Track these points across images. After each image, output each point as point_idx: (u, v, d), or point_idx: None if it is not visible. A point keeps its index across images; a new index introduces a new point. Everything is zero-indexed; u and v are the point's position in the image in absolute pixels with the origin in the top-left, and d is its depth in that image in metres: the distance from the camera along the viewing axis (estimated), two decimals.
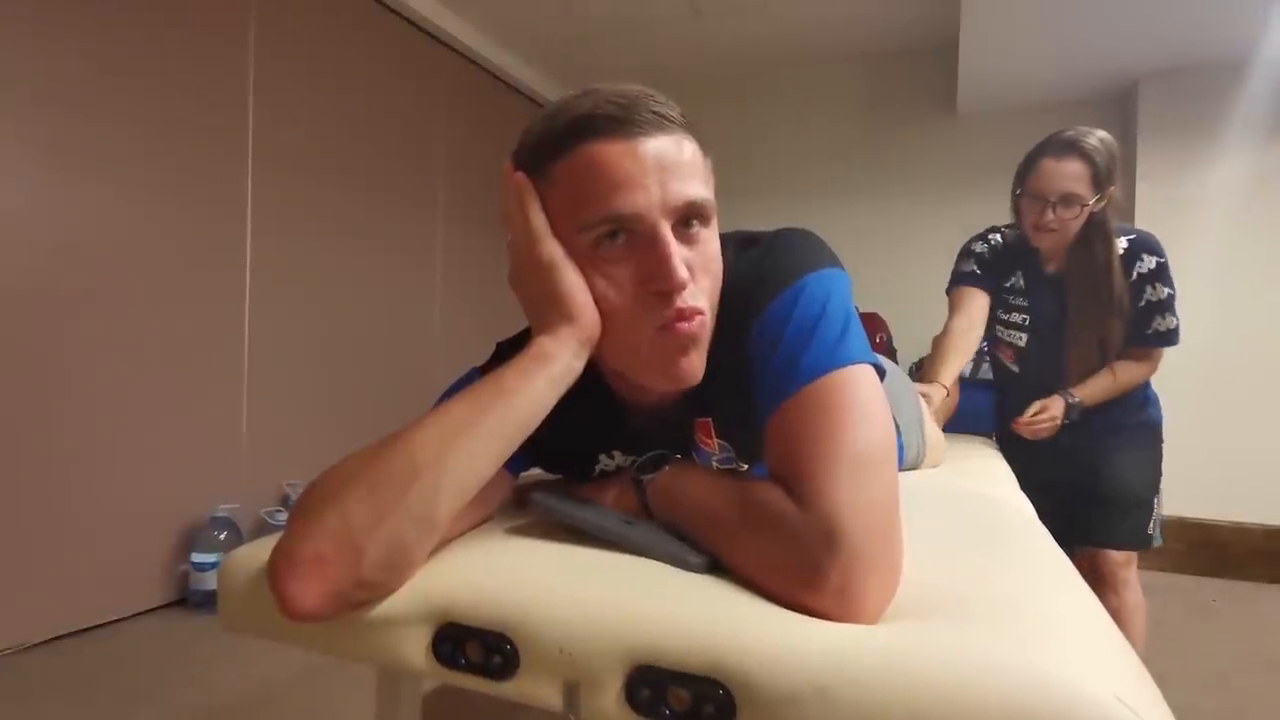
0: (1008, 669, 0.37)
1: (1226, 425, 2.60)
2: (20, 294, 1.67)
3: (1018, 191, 1.40)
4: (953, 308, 1.54)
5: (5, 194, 1.65)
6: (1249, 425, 2.58)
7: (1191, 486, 2.59)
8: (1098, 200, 1.32)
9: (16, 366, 1.66)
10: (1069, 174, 1.30)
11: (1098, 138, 1.32)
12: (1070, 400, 1.41)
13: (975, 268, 1.52)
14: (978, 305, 1.51)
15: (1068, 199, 1.31)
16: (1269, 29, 2.34)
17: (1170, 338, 1.42)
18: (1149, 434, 1.51)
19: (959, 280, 1.54)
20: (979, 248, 1.53)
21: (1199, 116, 2.65)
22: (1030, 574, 0.55)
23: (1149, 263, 1.37)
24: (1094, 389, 1.42)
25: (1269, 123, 2.57)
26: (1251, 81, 2.58)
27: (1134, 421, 1.50)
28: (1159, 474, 1.51)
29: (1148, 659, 0.46)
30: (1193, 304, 2.61)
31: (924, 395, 1.41)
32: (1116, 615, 1.42)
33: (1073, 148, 1.31)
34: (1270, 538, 2.53)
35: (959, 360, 1.47)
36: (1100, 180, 1.31)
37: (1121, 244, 1.37)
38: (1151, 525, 1.47)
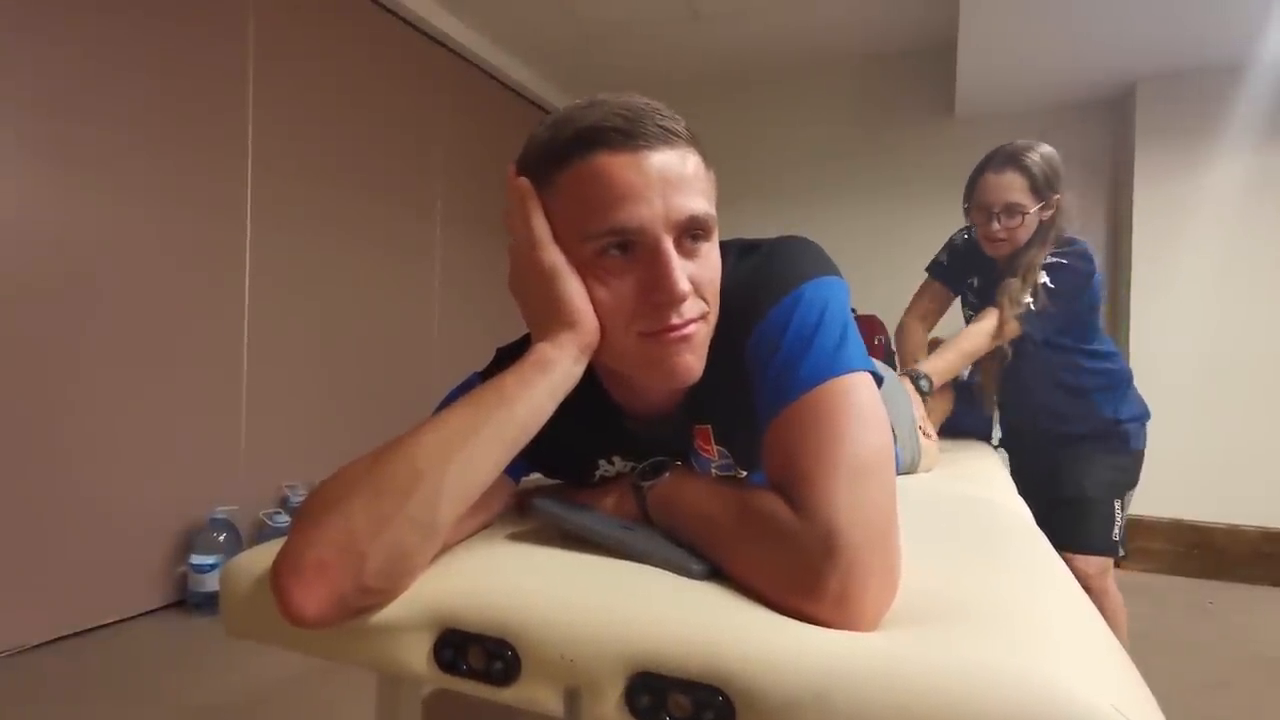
0: (1005, 676, 0.37)
1: (1223, 427, 2.61)
2: (20, 297, 1.67)
3: (966, 206, 1.48)
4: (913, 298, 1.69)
5: (5, 198, 1.65)
6: (1246, 427, 2.59)
7: (1188, 489, 2.60)
8: (1043, 208, 1.38)
9: (16, 369, 1.66)
10: (1008, 185, 1.38)
11: (1037, 151, 1.39)
12: (914, 373, 1.37)
13: (946, 257, 1.64)
14: (930, 298, 1.67)
15: (1010, 209, 1.38)
16: (1266, 32, 2.34)
17: (993, 298, 1.41)
18: (1118, 440, 1.50)
19: (929, 269, 1.68)
20: (958, 239, 1.63)
21: (1197, 119, 2.66)
22: (1027, 579, 0.56)
23: (1052, 258, 1.40)
24: (936, 359, 1.40)
25: (1266, 125, 2.58)
26: (1249, 84, 2.59)
27: (1100, 428, 1.49)
28: (1126, 482, 1.51)
29: (1143, 661, 0.47)
30: (1190, 306, 2.64)
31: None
32: None
33: (1011, 160, 1.39)
34: (1267, 540, 2.53)
35: (909, 349, 1.62)
36: (1039, 189, 1.37)
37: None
38: (1117, 532, 1.47)
